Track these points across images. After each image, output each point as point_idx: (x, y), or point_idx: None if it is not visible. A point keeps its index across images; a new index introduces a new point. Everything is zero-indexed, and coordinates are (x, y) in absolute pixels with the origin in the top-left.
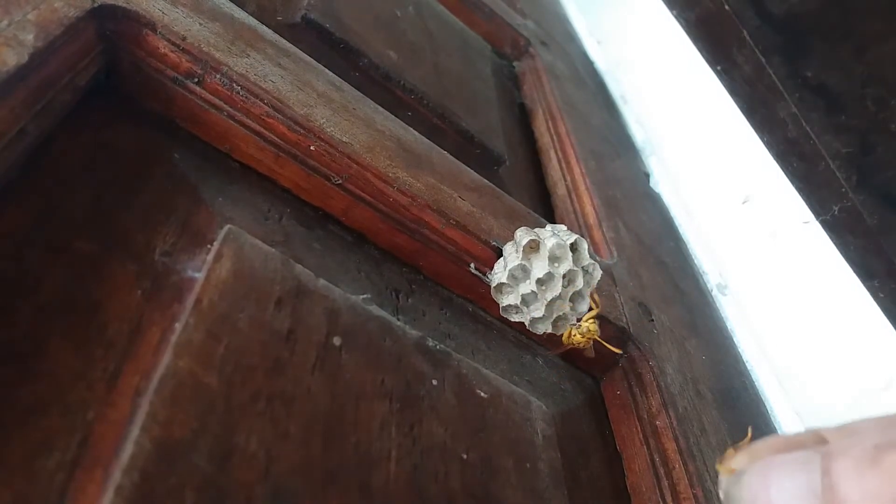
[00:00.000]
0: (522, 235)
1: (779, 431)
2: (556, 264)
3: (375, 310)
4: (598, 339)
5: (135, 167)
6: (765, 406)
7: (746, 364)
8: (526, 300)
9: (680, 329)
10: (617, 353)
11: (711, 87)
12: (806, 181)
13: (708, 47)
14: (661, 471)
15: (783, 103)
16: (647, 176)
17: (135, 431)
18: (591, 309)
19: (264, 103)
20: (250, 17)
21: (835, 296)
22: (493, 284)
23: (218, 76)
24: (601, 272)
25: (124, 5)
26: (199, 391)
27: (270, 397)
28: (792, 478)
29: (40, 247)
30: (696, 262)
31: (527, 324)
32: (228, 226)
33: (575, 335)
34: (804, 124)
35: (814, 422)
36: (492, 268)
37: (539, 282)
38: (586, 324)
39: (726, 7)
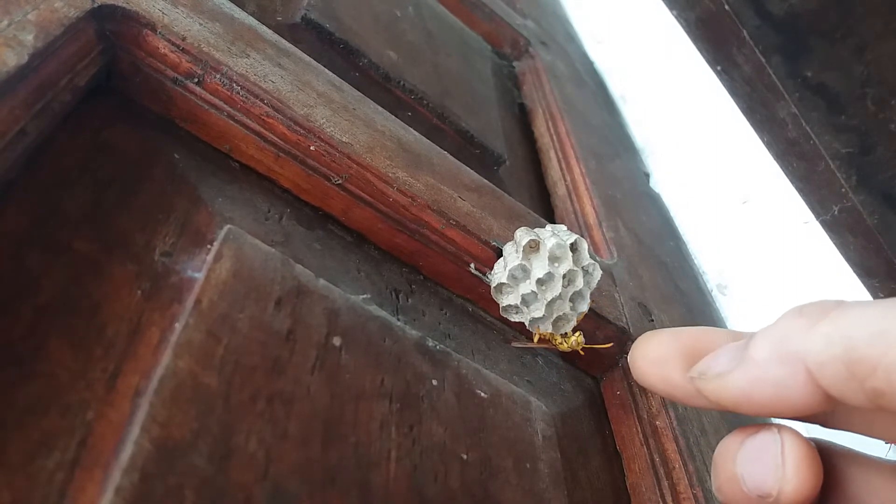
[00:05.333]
0: (522, 235)
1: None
2: (557, 264)
3: (375, 310)
4: (587, 346)
5: (134, 167)
6: None
7: None
8: (526, 300)
9: None
10: (612, 352)
11: (711, 87)
12: (806, 181)
13: (708, 47)
14: (661, 471)
15: (783, 103)
16: (647, 176)
17: (134, 432)
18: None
19: (264, 103)
20: (250, 18)
21: (835, 296)
22: (493, 284)
23: (218, 76)
24: (601, 272)
25: (124, 5)
26: (199, 391)
27: (270, 397)
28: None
29: (40, 247)
30: (696, 262)
31: (527, 324)
32: (228, 226)
33: (561, 343)
34: (804, 124)
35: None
36: (492, 268)
37: (539, 282)
38: (574, 337)
39: (726, 7)
